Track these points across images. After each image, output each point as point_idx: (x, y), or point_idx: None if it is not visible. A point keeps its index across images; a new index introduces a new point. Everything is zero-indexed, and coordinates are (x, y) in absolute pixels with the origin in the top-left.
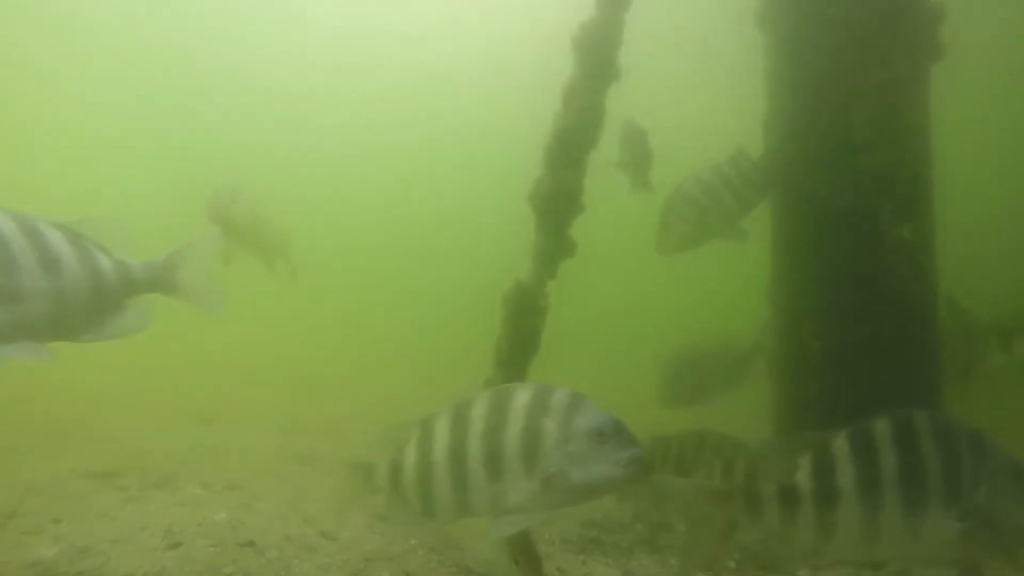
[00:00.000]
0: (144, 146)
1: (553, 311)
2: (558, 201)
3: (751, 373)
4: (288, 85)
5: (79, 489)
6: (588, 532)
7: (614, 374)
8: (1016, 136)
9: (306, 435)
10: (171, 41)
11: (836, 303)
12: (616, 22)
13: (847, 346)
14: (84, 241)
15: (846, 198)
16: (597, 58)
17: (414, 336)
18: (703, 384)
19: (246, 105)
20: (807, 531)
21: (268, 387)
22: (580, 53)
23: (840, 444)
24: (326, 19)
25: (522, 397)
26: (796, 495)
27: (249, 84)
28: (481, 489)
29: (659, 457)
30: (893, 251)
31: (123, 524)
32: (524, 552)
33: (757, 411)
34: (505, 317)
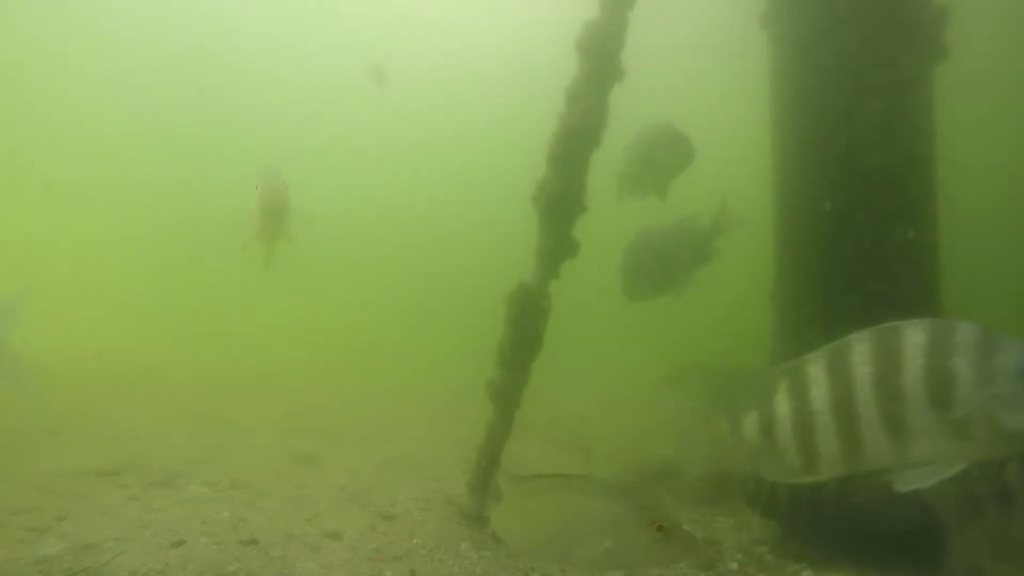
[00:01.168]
0: (155, 140)
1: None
2: (561, 201)
3: None
4: (289, 78)
5: (83, 487)
6: None
7: (616, 374)
8: (1020, 136)
9: (309, 435)
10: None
11: (840, 306)
12: (620, 22)
13: None
14: None
15: (850, 199)
16: (601, 58)
17: (417, 336)
18: None
19: (245, 98)
20: None
21: (271, 386)
22: (584, 53)
23: None
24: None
25: (916, 336)
26: (1011, 495)
27: (249, 77)
28: (877, 439)
29: None
30: (898, 253)
31: (127, 522)
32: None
33: None
34: (509, 318)
